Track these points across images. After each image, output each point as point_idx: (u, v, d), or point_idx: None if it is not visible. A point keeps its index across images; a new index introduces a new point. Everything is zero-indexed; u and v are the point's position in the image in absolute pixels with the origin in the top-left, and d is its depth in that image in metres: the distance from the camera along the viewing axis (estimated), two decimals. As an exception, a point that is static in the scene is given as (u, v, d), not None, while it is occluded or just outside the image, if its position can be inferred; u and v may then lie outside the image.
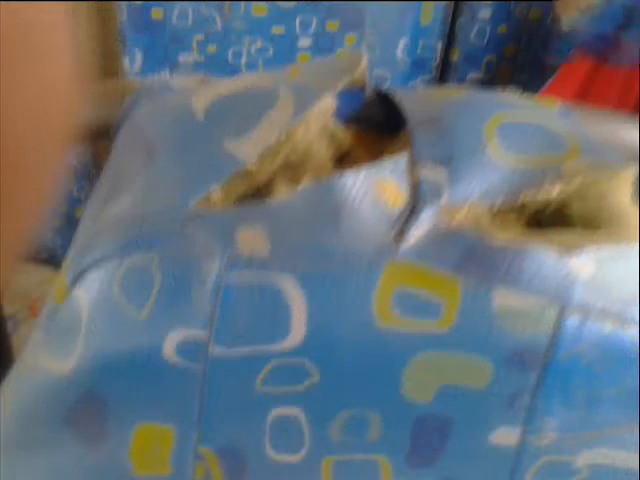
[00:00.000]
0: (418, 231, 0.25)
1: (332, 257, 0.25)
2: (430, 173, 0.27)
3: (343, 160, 0.31)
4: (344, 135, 0.31)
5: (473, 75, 1.66)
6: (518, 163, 0.28)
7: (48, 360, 0.27)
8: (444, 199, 0.26)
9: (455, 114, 0.30)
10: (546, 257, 0.25)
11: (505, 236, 0.26)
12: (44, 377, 0.27)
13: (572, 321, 0.24)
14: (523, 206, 0.28)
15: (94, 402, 0.26)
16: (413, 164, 0.28)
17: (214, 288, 0.24)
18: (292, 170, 0.29)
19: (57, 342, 0.27)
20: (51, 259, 1.49)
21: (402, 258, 0.25)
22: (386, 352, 0.25)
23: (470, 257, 0.25)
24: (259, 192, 0.28)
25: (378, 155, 0.29)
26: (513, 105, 0.31)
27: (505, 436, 0.26)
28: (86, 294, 0.26)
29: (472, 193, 0.27)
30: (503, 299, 0.24)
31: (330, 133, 0.31)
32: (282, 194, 0.27)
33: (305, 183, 0.27)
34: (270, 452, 0.27)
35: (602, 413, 0.25)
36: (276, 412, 0.26)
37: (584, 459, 0.26)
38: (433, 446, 0.26)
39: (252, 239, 0.25)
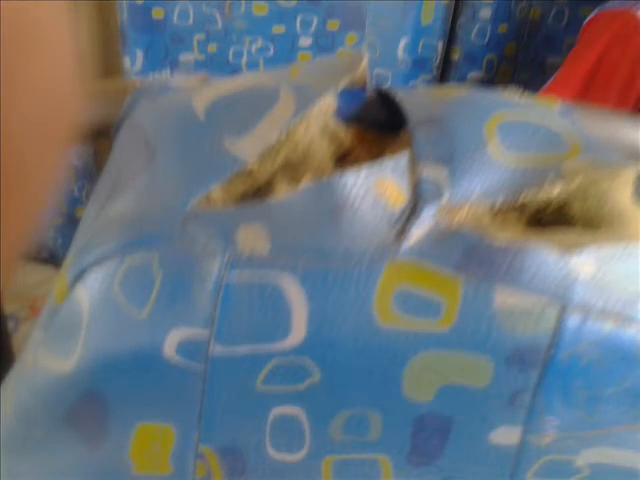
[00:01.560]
0: (419, 230, 0.25)
1: (333, 256, 0.25)
2: (431, 172, 0.27)
3: (344, 159, 0.31)
4: (345, 134, 0.31)
5: (474, 74, 1.66)
6: (519, 162, 0.28)
7: (49, 359, 0.27)
8: (445, 198, 0.26)
9: (455, 113, 0.30)
10: (547, 256, 0.25)
11: (506, 235, 0.26)
12: (45, 376, 0.27)
13: (572, 320, 0.24)
14: (524, 205, 0.28)
15: (94, 401, 0.26)
16: (414, 163, 0.28)
17: (215, 287, 0.24)
18: (292, 169, 0.29)
19: (58, 341, 0.27)
20: (52, 258, 1.49)
21: (403, 257, 0.25)
22: (386, 351, 0.25)
23: (471, 256, 0.25)
24: (260, 191, 0.28)
25: (379, 154, 0.29)
26: (513, 104, 0.31)
27: (505, 435, 0.26)
28: (87, 293, 0.26)
29: (473, 192, 0.27)
30: (504, 298, 0.24)
31: (331, 132, 0.31)
32: (283, 193, 0.27)
33: (306, 182, 0.27)
34: (271, 451, 0.27)
35: (603, 412, 0.25)
36: (277, 411, 0.26)
37: (584, 458, 0.26)
38: (433, 445, 0.26)
39: (253, 238, 0.25)
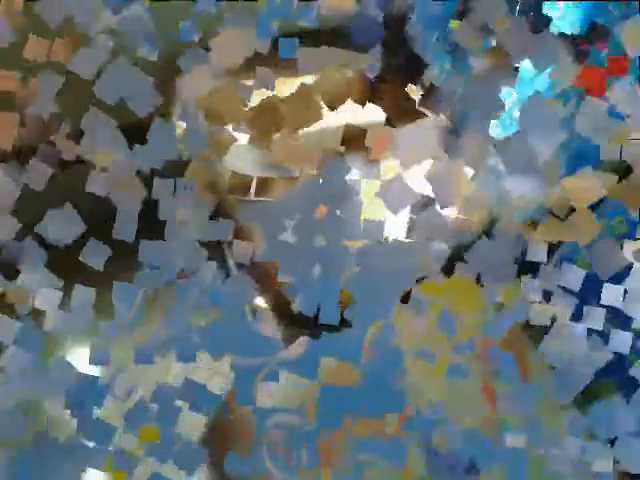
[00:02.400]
0: (430, 229, 0.25)
1: (334, 258, 0.24)
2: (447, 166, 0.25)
3: (350, 143, 0.27)
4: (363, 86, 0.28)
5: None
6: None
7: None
8: (462, 194, 0.25)
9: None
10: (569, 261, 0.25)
11: (534, 236, 0.24)
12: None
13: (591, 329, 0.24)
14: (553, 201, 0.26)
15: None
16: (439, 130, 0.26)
17: (211, 289, 0.24)
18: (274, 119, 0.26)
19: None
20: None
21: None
22: (390, 361, 0.24)
23: (488, 258, 0.24)
24: (256, 190, 0.27)
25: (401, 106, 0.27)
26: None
27: (515, 441, 0.26)
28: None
29: (496, 187, 0.25)
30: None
31: (348, 81, 0.28)
32: (280, 191, 0.26)
33: (304, 175, 0.26)
34: (268, 464, 0.27)
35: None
36: (273, 420, 0.26)
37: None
38: (440, 455, 0.26)
39: (249, 238, 0.25)
